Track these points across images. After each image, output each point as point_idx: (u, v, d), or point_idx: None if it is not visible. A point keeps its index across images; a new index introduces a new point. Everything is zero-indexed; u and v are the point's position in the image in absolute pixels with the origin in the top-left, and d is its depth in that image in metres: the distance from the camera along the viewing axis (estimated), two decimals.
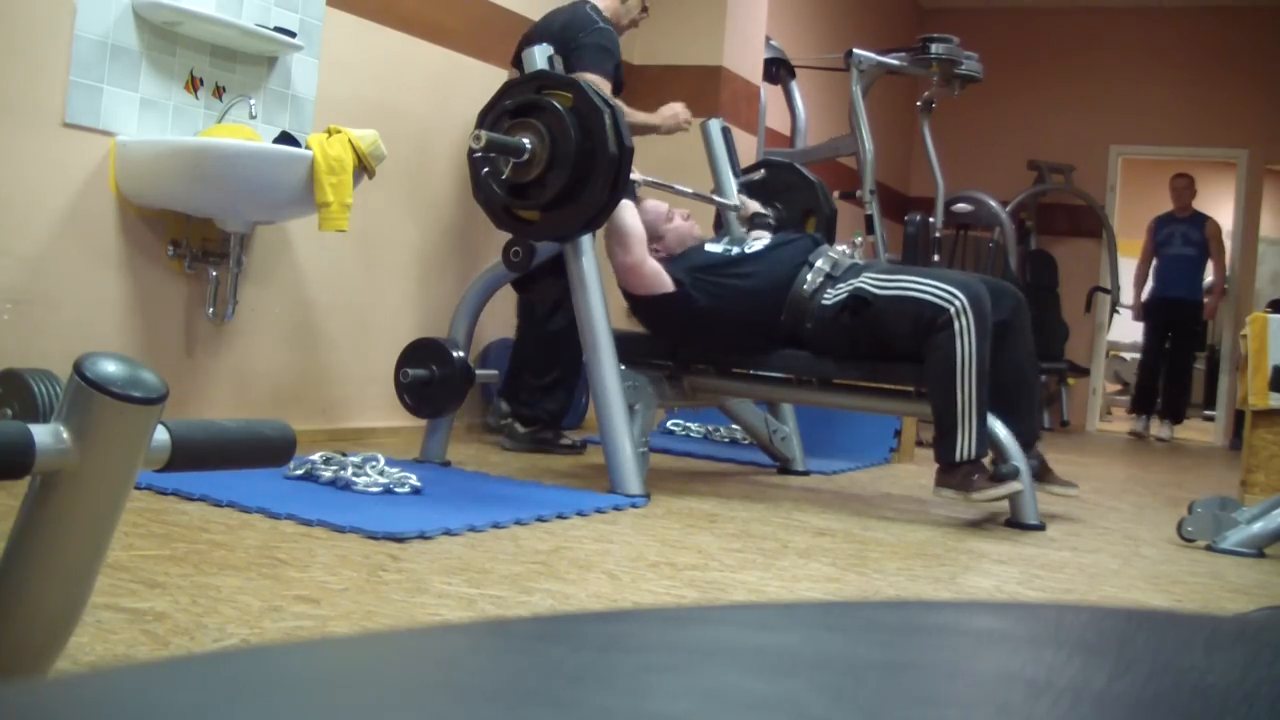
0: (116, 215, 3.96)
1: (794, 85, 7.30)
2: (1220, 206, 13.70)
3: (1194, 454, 9.18)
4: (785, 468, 5.01)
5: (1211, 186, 14.37)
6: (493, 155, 3.80)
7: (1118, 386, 13.77)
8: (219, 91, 4.26)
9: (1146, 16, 10.39)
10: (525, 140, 3.78)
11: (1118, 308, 10.65)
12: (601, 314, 3.96)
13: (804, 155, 6.70)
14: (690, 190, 5.01)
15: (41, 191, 3.75)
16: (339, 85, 4.74)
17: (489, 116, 3.91)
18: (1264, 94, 9.99)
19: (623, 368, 4.05)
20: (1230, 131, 10.19)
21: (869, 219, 6.56)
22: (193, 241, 4.18)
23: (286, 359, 4.66)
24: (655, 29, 6.74)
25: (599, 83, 5.06)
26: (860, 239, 6.73)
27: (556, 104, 3.80)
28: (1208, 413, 12.31)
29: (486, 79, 5.15)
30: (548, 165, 3.78)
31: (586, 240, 3.99)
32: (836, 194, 7.63)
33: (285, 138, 4.23)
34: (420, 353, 4.16)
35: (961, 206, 9.00)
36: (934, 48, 7.07)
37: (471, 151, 3.84)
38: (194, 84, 4.18)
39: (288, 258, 4.61)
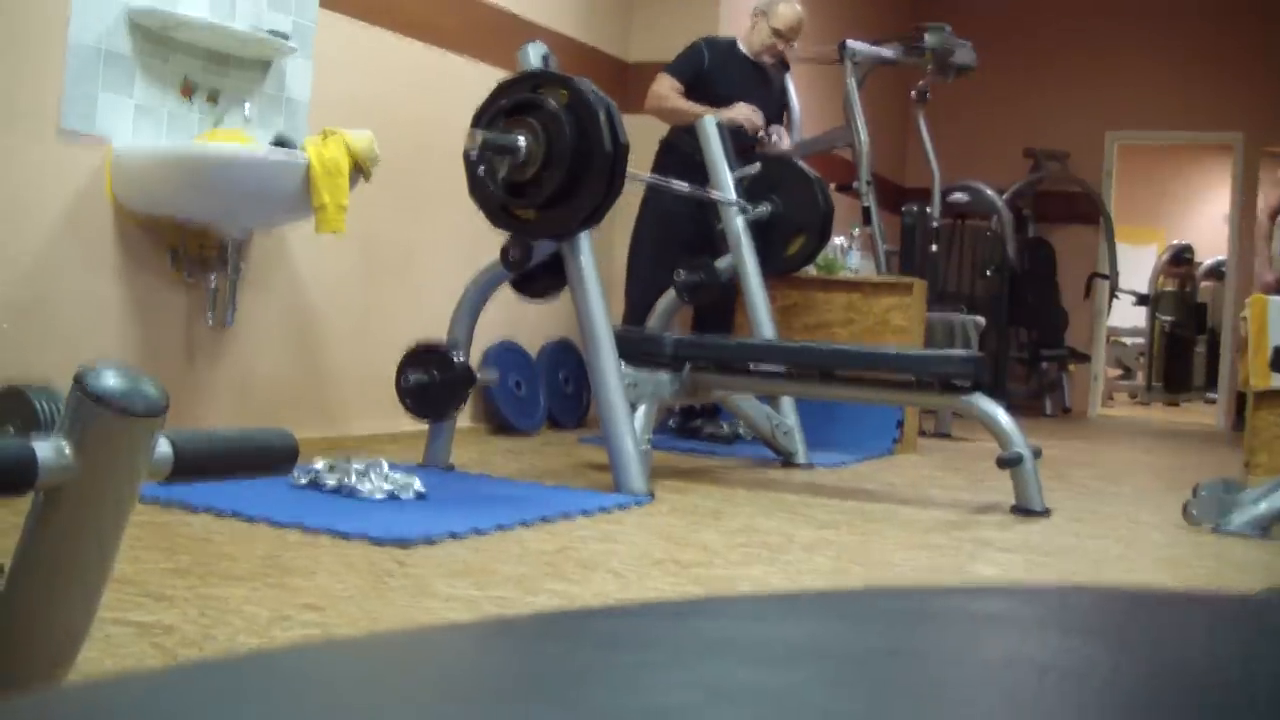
0: (114, 223, 3.96)
1: (788, 78, 7.23)
2: (1218, 190, 13.70)
3: (1197, 437, 9.18)
4: (788, 461, 5.00)
5: (1210, 169, 14.36)
6: (488, 155, 3.80)
7: (1118, 371, 13.78)
8: (213, 96, 4.26)
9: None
10: (520, 139, 3.77)
11: (1116, 293, 10.65)
12: (601, 311, 3.96)
13: (800, 148, 6.69)
14: (688, 186, 5.01)
15: (38, 199, 3.75)
16: (334, 87, 4.74)
17: (484, 116, 3.91)
18: (1258, 76, 9.97)
19: (624, 366, 4.05)
20: (1226, 114, 10.16)
21: (865, 211, 6.56)
22: (191, 248, 4.18)
23: (288, 365, 4.66)
24: (648, 24, 6.75)
25: (662, 80, 5.49)
26: (858, 231, 6.75)
27: (551, 102, 3.80)
28: (1210, 395, 12.29)
29: (482, 78, 5.15)
30: (543, 164, 3.78)
31: (584, 238, 3.98)
32: (833, 186, 7.64)
33: (280, 141, 4.22)
34: (420, 356, 4.16)
35: (958, 196, 8.99)
36: (927, 37, 7.08)
37: (467, 152, 3.83)
38: (188, 89, 4.17)
39: (286, 263, 4.61)
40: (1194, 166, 15.07)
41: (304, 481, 3.61)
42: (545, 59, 4.13)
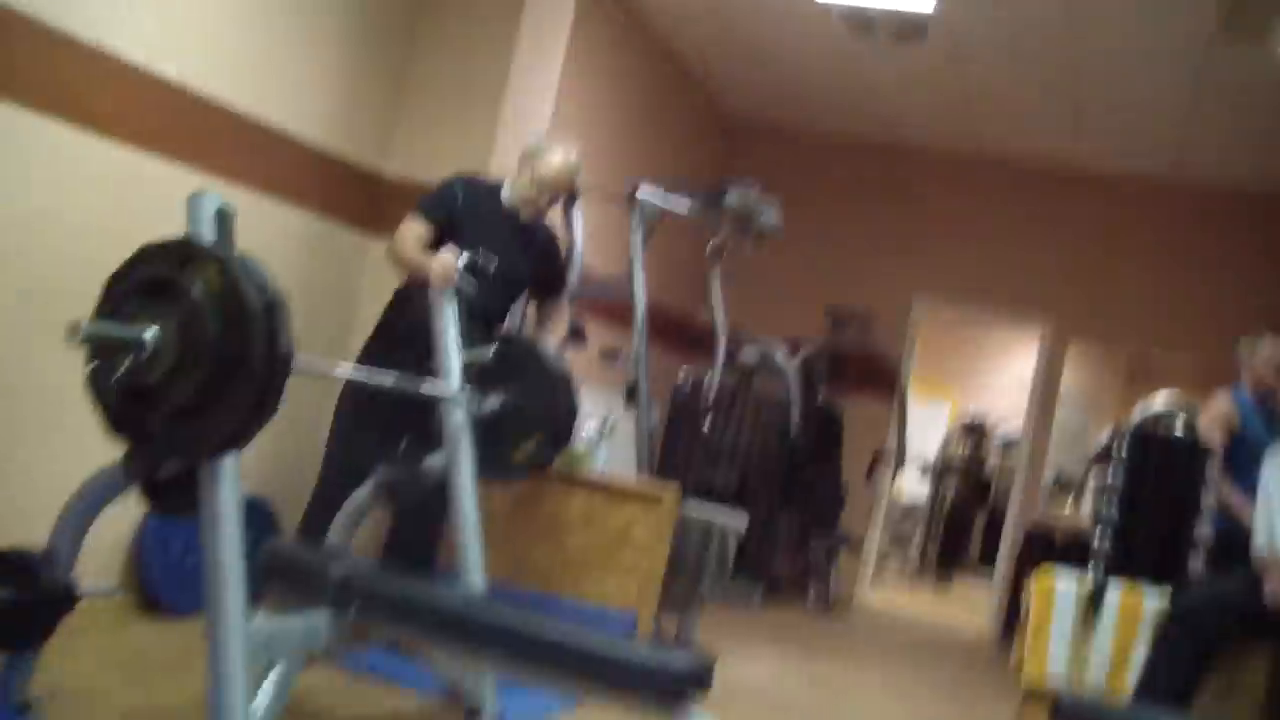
0: None
1: (576, 211, 6.29)
2: (1016, 357, 13.35)
3: (963, 649, 8.66)
4: (473, 713, 4.12)
5: (1010, 336, 14.04)
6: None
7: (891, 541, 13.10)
8: None
9: (969, 165, 9.94)
10: (146, 333, 2.88)
11: (902, 464, 10.13)
12: (233, 561, 3.04)
13: (577, 291, 5.89)
14: (392, 378, 4.13)
15: None
16: None
17: (115, 290, 3.01)
18: (1067, 266, 9.67)
19: (263, 612, 3.17)
20: (1035, 297, 9.78)
21: (631, 389, 5.79)
22: None
23: None
24: (414, 136, 5.93)
25: (410, 223, 4.67)
26: (610, 419, 5.95)
27: (198, 287, 2.91)
28: (986, 569, 11.78)
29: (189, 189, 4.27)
30: (173, 367, 2.88)
31: (228, 464, 3.06)
32: (599, 350, 6.88)
33: None
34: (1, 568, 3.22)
35: (748, 354, 8.34)
36: (728, 198, 6.40)
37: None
38: None
39: None
40: (994, 331, 14.74)
41: None
42: (222, 216, 3.22)
